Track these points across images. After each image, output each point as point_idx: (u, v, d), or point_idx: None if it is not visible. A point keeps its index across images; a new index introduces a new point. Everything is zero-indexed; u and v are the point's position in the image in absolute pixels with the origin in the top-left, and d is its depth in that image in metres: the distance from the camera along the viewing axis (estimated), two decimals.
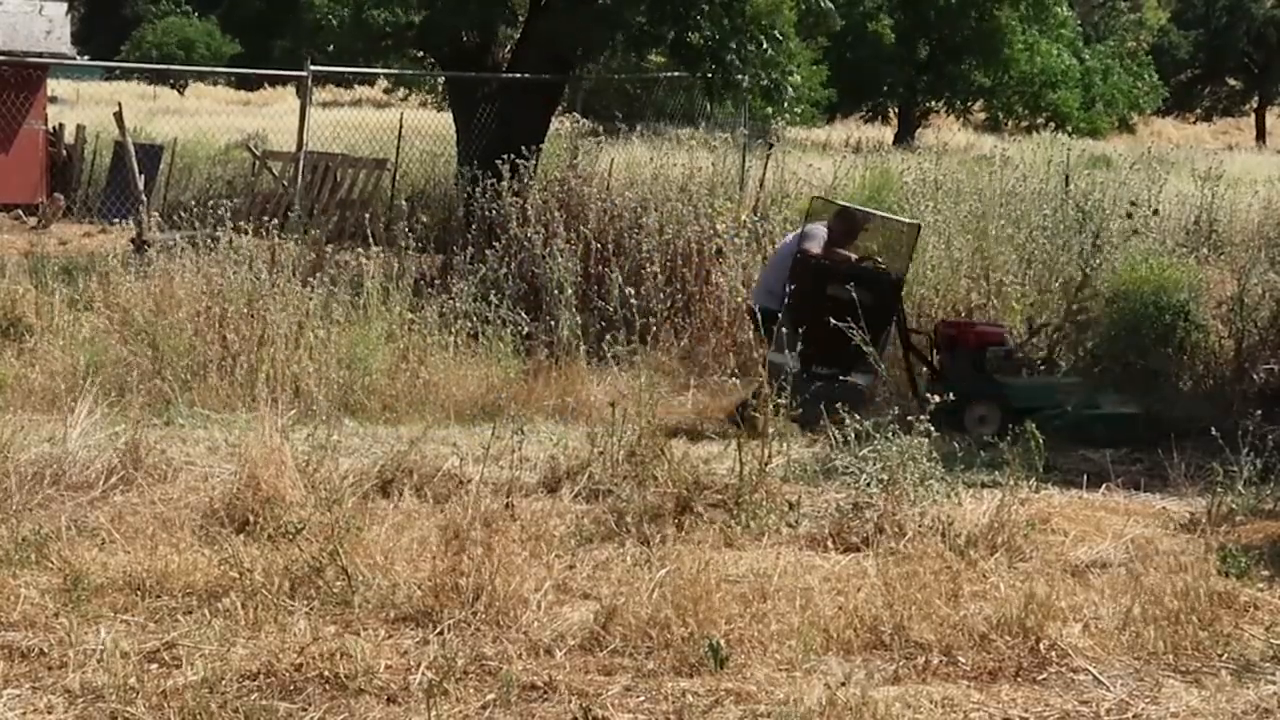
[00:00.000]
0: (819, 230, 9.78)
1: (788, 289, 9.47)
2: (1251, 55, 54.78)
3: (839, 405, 7.45)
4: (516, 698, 4.80)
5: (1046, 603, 5.48)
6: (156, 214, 12.82)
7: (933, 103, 42.96)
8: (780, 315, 9.30)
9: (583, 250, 11.79)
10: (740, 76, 14.10)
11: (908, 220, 10.27)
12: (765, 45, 13.95)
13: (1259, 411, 8.19)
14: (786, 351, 9.04)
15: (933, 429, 7.06)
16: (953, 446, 7.61)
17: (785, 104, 15.22)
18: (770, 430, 7.17)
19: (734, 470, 7.02)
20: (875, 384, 9.22)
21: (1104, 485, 8.00)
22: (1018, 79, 39.86)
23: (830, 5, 16.20)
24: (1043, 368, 10.27)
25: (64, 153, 21.53)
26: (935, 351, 9.89)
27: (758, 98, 15.40)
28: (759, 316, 9.54)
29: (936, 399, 7.06)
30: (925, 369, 9.88)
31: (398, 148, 18.37)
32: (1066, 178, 11.18)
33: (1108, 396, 9.89)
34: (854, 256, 9.90)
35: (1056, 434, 8.61)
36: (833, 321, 8.76)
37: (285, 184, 16.34)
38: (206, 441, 8.16)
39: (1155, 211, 11.54)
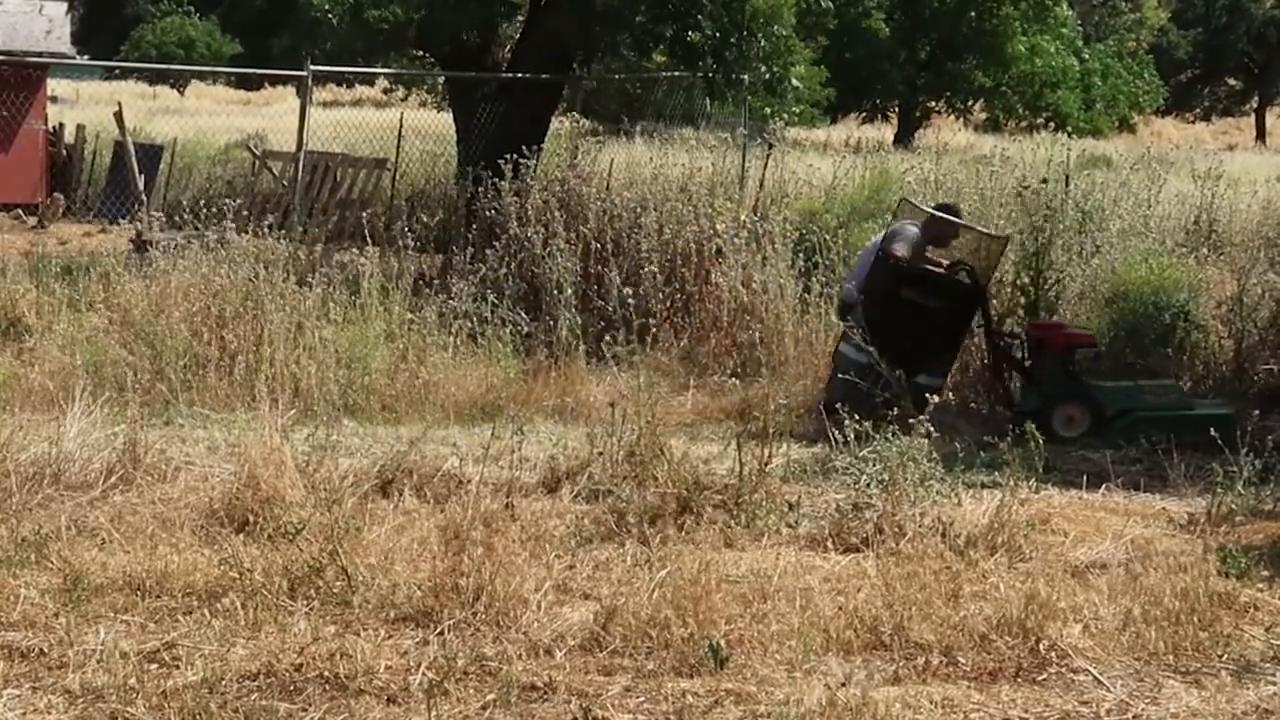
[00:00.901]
0: (908, 231, 9.76)
1: (863, 286, 9.51)
2: (1251, 55, 54.79)
3: (899, 405, 7.52)
4: (516, 698, 4.80)
5: (1046, 603, 5.48)
6: (159, 214, 12.82)
7: (933, 102, 42.95)
8: (853, 311, 9.37)
9: (582, 250, 11.79)
10: (741, 75, 14.10)
11: (996, 232, 10.26)
12: (764, 41, 13.95)
13: (1258, 412, 8.20)
14: (855, 347, 9.12)
15: (932, 430, 7.07)
16: (953, 447, 7.61)
17: (789, 97, 15.22)
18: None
19: (734, 470, 7.02)
20: (942, 389, 9.23)
21: (1104, 486, 7.99)
22: (1018, 79, 39.86)
23: (829, 4, 16.22)
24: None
25: (64, 152, 21.53)
26: (1024, 354, 9.88)
27: (760, 93, 15.40)
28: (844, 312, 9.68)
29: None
30: (1014, 372, 9.87)
31: (398, 148, 18.37)
32: (1067, 178, 11.16)
33: (1201, 398, 9.88)
34: (944, 262, 9.89)
35: (1147, 437, 8.65)
36: (905, 323, 8.87)
37: (285, 184, 16.33)
38: (206, 441, 8.16)
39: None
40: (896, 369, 9.10)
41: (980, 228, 10.43)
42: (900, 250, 9.58)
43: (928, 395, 7.90)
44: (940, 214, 9.96)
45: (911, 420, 7.06)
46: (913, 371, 9.22)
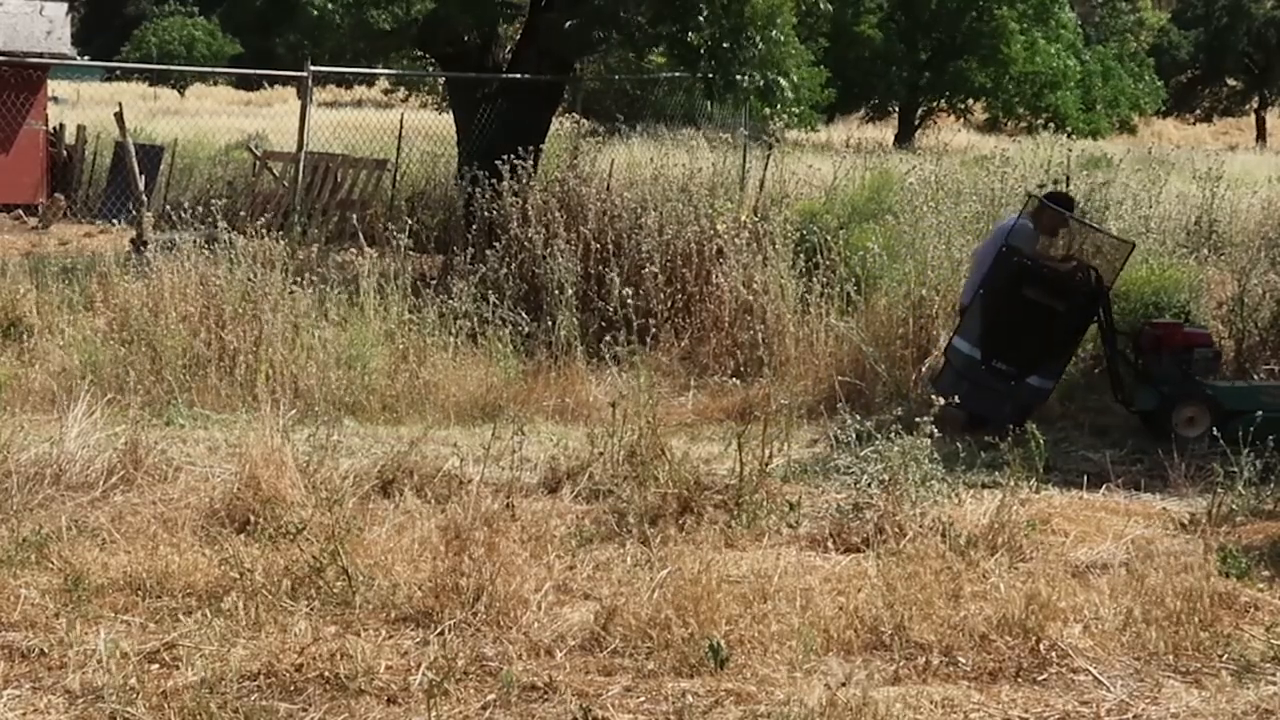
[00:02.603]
0: (1028, 227, 9.72)
1: (984, 281, 9.49)
2: (1251, 55, 54.78)
3: (1010, 408, 7.50)
4: (517, 698, 4.80)
5: (1047, 603, 5.48)
6: (162, 213, 12.82)
7: (932, 103, 42.96)
8: (971, 304, 9.35)
9: (583, 250, 11.80)
10: (739, 77, 14.10)
11: (1122, 238, 10.24)
12: (761, 45, 13.94)
13: (1259, 411, 8.18)
14: (969, 342, 9.11)
15: (936, 431, 7.07)
16: (954, 447, 7.61)
17: (781, 104, 15.21)
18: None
19: (735, 470, 7.02)
20: (1050, 388, 9.20)
21: (1104, 486, 7.99)
22: (1017, 79, 39.88)
23: (828, 6, 16.22)
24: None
25: (64, 153, 21.54)
26: (1140, 353, 9.84)
27: (755, 98, 15.40)
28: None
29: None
30: (1131, 371, 9.82)
31: (398, 148, 18.37)
32: (1067, 178, 11.15)
33: None
34: (1059, 256, 9.85)
35: (1268, 438, 8.63)
36: (1023, 321, 8.85)
37: (285, 184, 16.34)
38: (206, 441, 8.16)
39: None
40: (1011, 368, 9.08)
41: (1105, 230, 10.40)
42: (1023, 246, 9.56)
43: (1046, 396, 7.93)
44: (1057, 208, 9.91)
45: (918, 420, 7.05)
46: (1026, 372, 9.21)
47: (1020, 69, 39.51)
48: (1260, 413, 9.03)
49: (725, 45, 13.86)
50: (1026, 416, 7.55)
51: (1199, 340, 9.75)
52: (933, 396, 7.24)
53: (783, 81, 14.62)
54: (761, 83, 14.37)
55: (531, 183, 12.53)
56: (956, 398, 7.60)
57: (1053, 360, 9.43)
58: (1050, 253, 9.94)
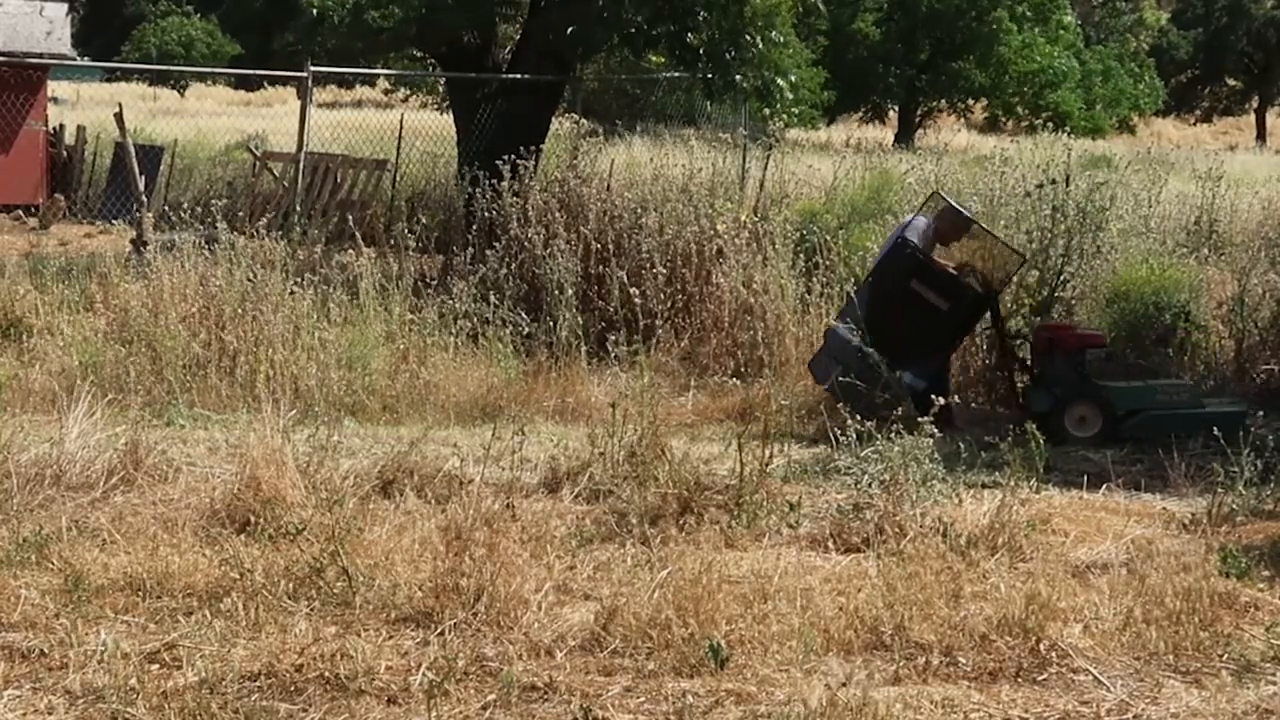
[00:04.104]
0: (922, 223, 9.74)
1: (874, 269, 9.49)
2: (1251, 55, 54.81)
3: (877, 399, 7.47)
4: (517, 698, 4.80)
5: (1047, 603, 5.48)
6: (162, 213, 12.82)
7: (932, 103, 42.98)
8: (858, 291, 9.33)
9: (583, 251, 11.79)
10: (738, 77, 14.10)
11: (1016, 250, 10.28)
12: (761, 45, 13.95)
13: (1260, 412, 8.20)
14: (849, 325, 9.08)
15: (936, 431, 7.07)
16: (955, 446, 7.61)
17: (778, 104, 15.21)
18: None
19: (735, 471, 7.02)
20: (921, 388, 9.19)
21: (1104, 486, 7.99)
22: (1017, 79, 39.90)
23: (824, 9, 16.22)
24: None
25: (64, 153, 21.55)
26: (1034, 356, 9.86)
27: (754, 98, 15.41)
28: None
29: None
30: (1025, 374, 9.85)
31: (398, 148, 18.37)
32: (1067, 178, 11.15)
33: (1212, 396, 9.87)
34: (956, 263, 9.88)
35: (1159, 436, 8.66)
36: (905, 315, 8.83)
37: (285, 185, 16.34)
38: (206, 442, 8.16)
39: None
40: (885, 359, 9.03)
41: (1001, 238, 10.43)
42: (917, 240, 9.56)
43: (918, 394, 7.92)
44: (958, 208, 9.94)
45: (919, 419, 7.05)
46: (899, 366, 9.14)
47: (1018, 69, 39.53)
48: (1154, 411, 9.08)
49: (724, 46, 13.87)
50: (892, 411, 7.57)
51: (1092, 341, 9.77)
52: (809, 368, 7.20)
53: (780, 81, 14.64)
54: (760, 83, 14.39)
55: (531, 183, 12.53)
56: (825, 383, 7.55)
57: (927, 359, 9.32)
58: (946, 253, 9.92)
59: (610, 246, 11.86)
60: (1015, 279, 10.90)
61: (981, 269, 9.88)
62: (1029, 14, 40.08)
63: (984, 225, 10.35)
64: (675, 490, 6.86)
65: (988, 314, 9.78)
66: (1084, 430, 9.19)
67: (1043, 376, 9.67)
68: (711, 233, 11.90)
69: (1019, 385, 9.82)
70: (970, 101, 42.49)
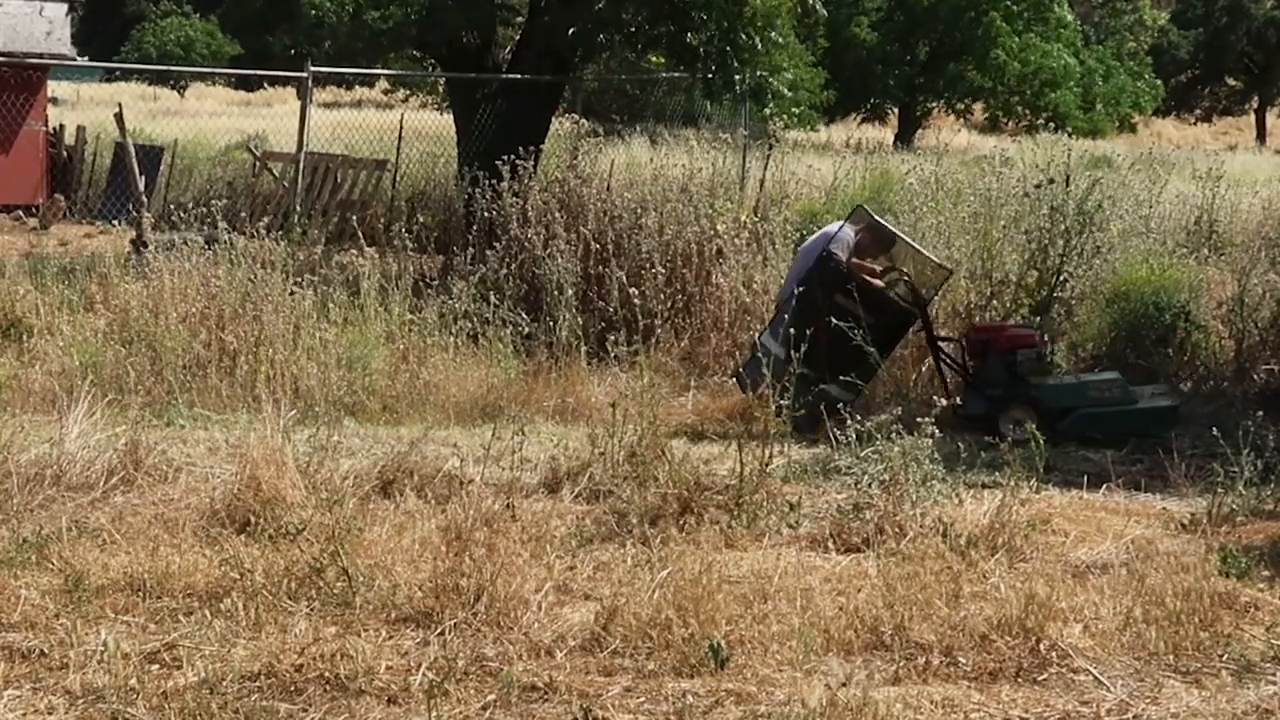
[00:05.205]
0: (848, 235, 9.75)
1: (800, 282, 9.46)
2: (1251, 55, 54.81)
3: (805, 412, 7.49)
4: (517, 698, 4.80)
5: (1047, 603, 5.48)
6: (162, 213, 12.82)
7: (931, 103, 42.97)
8: (784, 303, 9.31)
9: (583, 251, 11.80)
10: (738, 77, 14.11)
11: (941, 262, 10.27)
12: (760, 45, 13.95)
13: (1260, 412, 8.19)
14: (776, 340, 9.05)
15: (936, 431, 7.07)
16: (955, 447, 7.61)
17: (773, 104, 15.22)
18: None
19: (735, 471, 7.03)
20: (852, 401, 9.10)
21: (1104, 486, 7.99)
22: (1015, 79, 39.89)
23: (823, 11, 16.23)
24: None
25: (64, 154, 21.55)
26: (966, 357, 9.86)
27: (753, 98, 15.42)
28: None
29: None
30: (958, 375, 9.84)
31: (398, 149, 18.37)
32: (1067, 178, 11.16)
33: (1143, 391, 9.87)
34: (877, 269, 9.88)
35: (1093, 434, 8.67)
36: (831, 328, 8.79)
37: (285, 185, 16.34)
38: (207, 442, 8.16)
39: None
40: (811, 372, 8.94)
41: (928, 252, 10.42)
42: (841, 254, 9.56)
43: (845, 406, 7.90)
44: (881, 223, 9.98)
45: (919, 420, 7.05)
46: (825, 379, 9.05)
47: (1015, 71, 39.52)
48: (1086, 409, 9.05)
49: (724, 46, 13.88)
50: (820, 422, 7.52)
51: (1024, 340, 9.74)
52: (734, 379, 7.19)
53: (778, 81, 14.64)
54: (759, 83, 14.39)
55: (531, 183, 12.54)
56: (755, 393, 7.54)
57: (854, 371, 9.22)
58: (870, 265, 9.90)
59: (610, 246, 11.86)
60: (1015, 279, 10.92)
61: (911, 280, 9.89)
62: (1025, 13, 40.06)
63: (908, 240, 10.36)
64: (675, 490, 6.87)
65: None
66: (1021, 432, 9.09)
67: (976, 379, 9.65)
68: (711, 233, 11.90)
69: (952, 387, 9.76)
70: (969, 102, 42.48)
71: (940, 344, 9.85)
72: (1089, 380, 9.75)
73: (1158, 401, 9.59)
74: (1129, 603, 5.69)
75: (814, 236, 10.30)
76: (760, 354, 9.36)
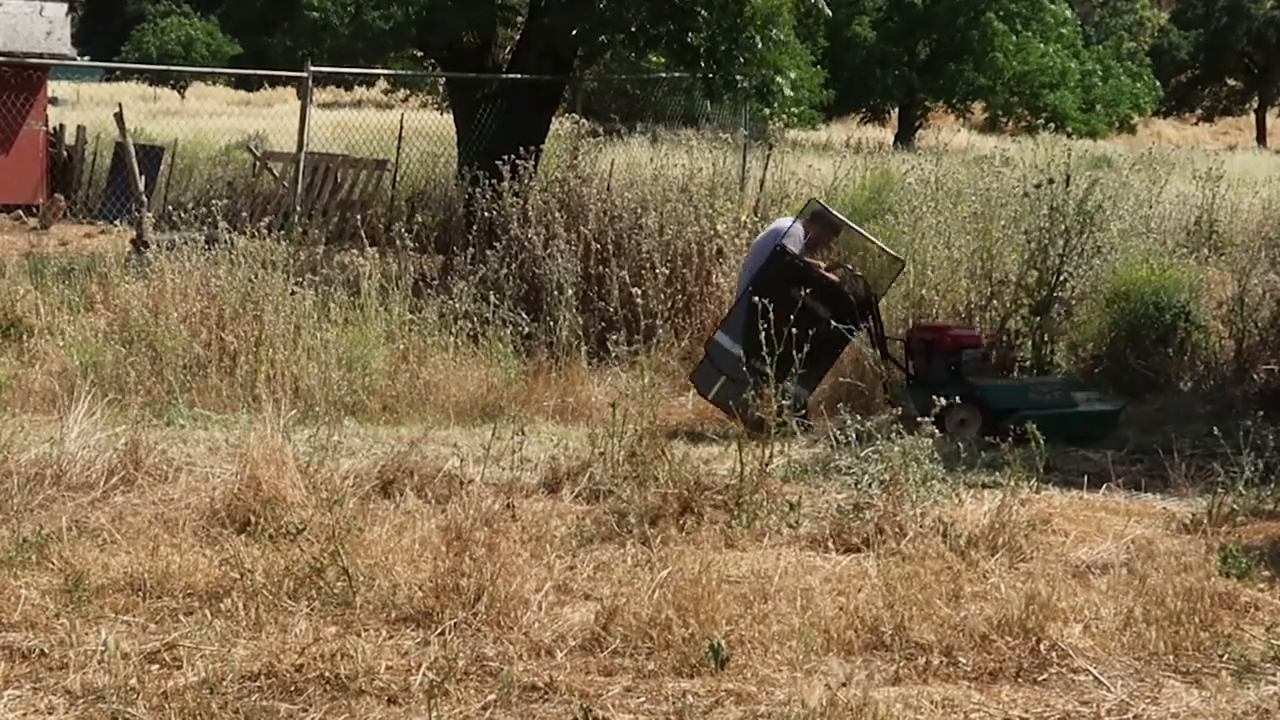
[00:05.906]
0: (799, 230, 9.75)
1: (754, 278, 9.45)
2: (1251, 55, 54.83)
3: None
4: (517, 698, 4.80)
5: (1047, 603, 5.48)
6: (162, 213, 12.83)
7: (931, 103, 42.99)
8: (738, 301, 9.31)
9: (583, 251, 11.80)
10: (738, 76, 14.11)
11: (893, 254, 10.26)
12: (761, 44, 13.96)
13: (1260, 412, 8.20)
14: (731, 337, 9.05)
15: (936, 431, 7.07)
16: (955, 447, 7.61)
17: (777, 103, 15.21)
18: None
19: (735, 471, 7.02)
20: (806, 397, 9.08)
21: (1105, 486, 7.99)
22: (1014, 79, 39.90)
23: (827, 10, 16.24)
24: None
25: (64, 154, 21.56)
26: (910, 357, 9.85)
27: (751, 98, 15.42)
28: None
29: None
30: (903, 375, 9.84)
31: (398, 149, 18.38)
32: (1067, 179, 11.16)
33: (1085, 394, 9.88)
34: (823, 264, 9.87)
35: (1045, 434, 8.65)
36: (786, 324, 8.77)
37: (286, 185, 16.34)
38: (207, 442, 8.16)
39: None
40: (767, 370, 8.91)
41: (878, 242, 10.41)
42: (794, 248, 9.56)
43: (802, 401, 7.89)
44: (829, 212, 9.96)
45: (919, 420, 7.05)
46: (782, 374, 9.03)
47: (1012, 70, 39.53)
48: (1026, 410, 9.06)
49: (724, 46, 13.88)
50: (775, 419, 7.52)
51: (967, 341, 9.73)
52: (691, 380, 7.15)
53: (780, 80, 14.64)
54: (760, 82, 14.39)
55: (531, 183, 12.54)
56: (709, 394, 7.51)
57: (810, 367, 9.20)
58: (822, 259, 9.90)
59: (610, 246, 11.87)
60: (1015, 279, 10.91)
61: (863, 274, 9.87)
62: (1022, 13, 40.08)
63: (857, 228, 10.35)
64: (675, 490, 6.86)
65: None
66: (965, 432, 9.03)
67: (920, 378, 9.63)
68: (712, 233, 11.90)
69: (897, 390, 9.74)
70: (969, 102, 42.50)
71: (888, 344, 9.85)
72: (1030, 383, 9.82)
73: (1099, 405, 9.62)
74: (1129, 603, 5.69)
75: (765, 232, 10.32)
76: (713, 354, 9.38)
